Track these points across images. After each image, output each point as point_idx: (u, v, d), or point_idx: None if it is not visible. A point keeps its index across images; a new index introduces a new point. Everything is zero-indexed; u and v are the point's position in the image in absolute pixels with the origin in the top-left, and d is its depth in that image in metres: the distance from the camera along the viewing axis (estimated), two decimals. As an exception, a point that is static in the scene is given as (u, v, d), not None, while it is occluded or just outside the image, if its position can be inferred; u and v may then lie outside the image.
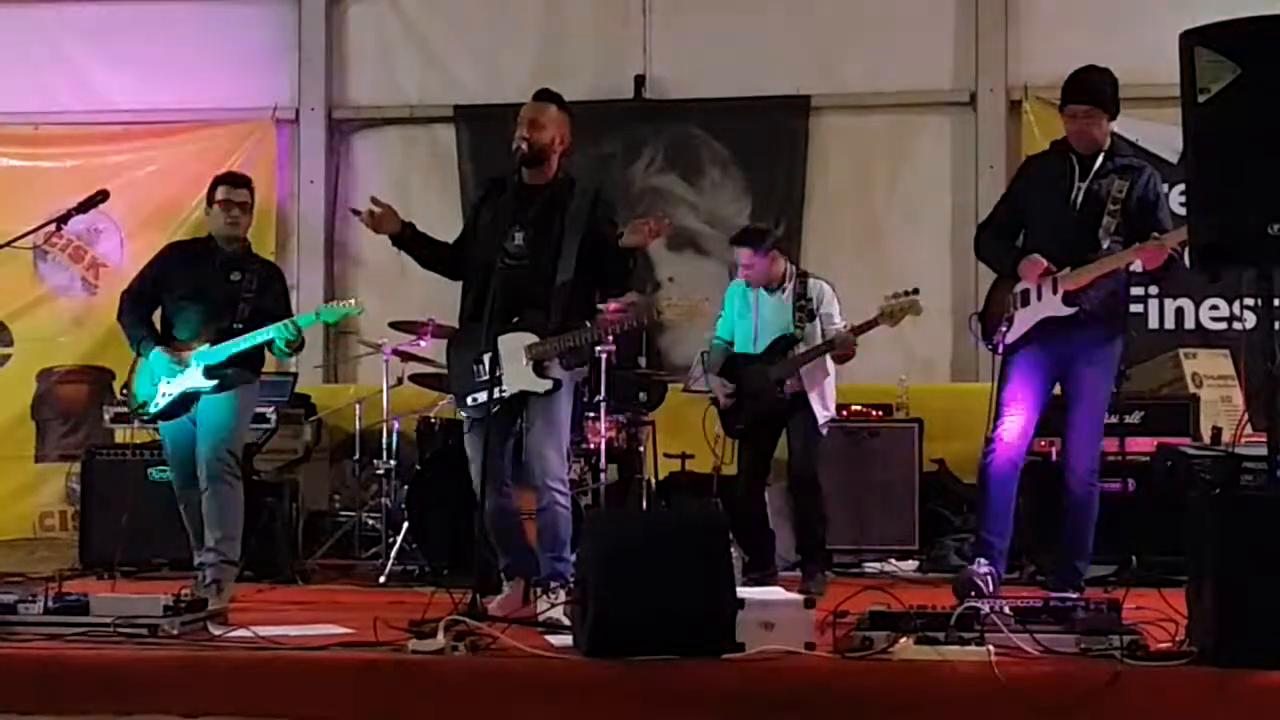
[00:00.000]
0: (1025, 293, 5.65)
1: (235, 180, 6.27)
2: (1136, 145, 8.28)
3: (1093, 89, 5.59)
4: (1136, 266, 5.66)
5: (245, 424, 6.17)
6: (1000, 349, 5.67)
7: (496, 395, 5.36)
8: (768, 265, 6.71)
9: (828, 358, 6.65)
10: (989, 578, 5.45)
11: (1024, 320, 5.62)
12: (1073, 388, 5.61)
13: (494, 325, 5.29)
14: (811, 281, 6.75)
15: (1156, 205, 5.63)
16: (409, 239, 5.63)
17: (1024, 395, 5.60)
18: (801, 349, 6.61)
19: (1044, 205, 5.69)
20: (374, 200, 5.61)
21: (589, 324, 5.50)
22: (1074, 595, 4.89)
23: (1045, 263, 5.54)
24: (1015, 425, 5.58)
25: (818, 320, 6.67)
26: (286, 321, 5.92)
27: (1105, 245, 5.53)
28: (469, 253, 5.60)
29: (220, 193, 6.16)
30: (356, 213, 5.68)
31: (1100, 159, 5.60)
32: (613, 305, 5.74)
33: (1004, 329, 5.64)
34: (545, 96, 5.57)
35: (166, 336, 6.07)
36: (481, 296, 5.35)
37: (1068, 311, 5.53)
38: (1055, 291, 5.54)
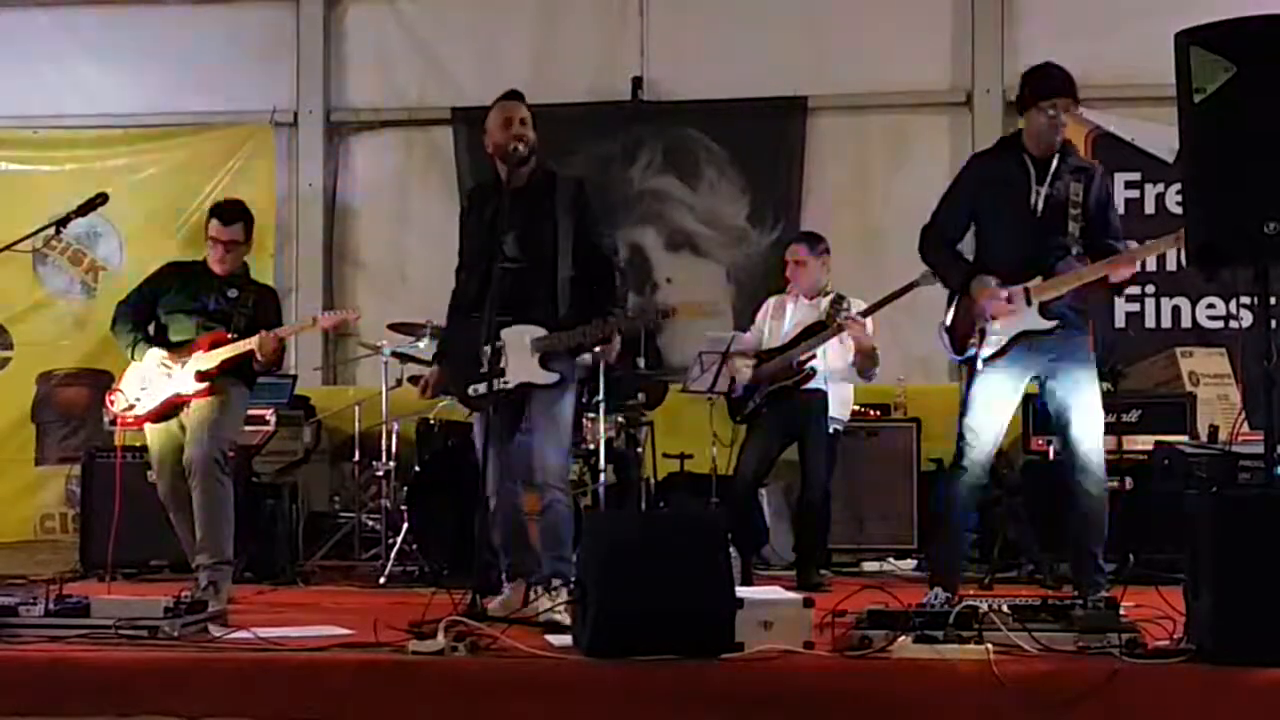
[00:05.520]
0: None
1: (226, 216, 6.12)
2: (1133, 145, 8.34)
3: (1069, 82, 5.41)
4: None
5: (234, 425, 6.13)
6: (980, 364, 5.41)
7: (499, 387, 5.35)
8: (817, 268, 6.93)
9: (851, 367, 6.88)
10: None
11: (999, 333, 5.39)
12: (1066, 390, 5.39)
13: (495, 319, 5.29)
14: (849, 300, 6.78)
15: (1109, 206, 5.52)
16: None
17: (993, 418, 5.40)
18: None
19: (1002, 211, 5.45)
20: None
21: (595, 321, 5.46)
22: (1105, 594, 4.74)
23: (998, 291, 5.34)
24: (983, 452, 5.39)
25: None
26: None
27: (1073, 251, 5.38)
28: (466, 258, 5.62)
29: (211, 228, 6.10)
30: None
31: (1055, 161, 5.40)
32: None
33: (975, 342, 5.42)
34: (517, 96, 5.56)
35: (161, 343, 6.08)
36: (482, 293, 5.34)
37: (1048, 325, 5.32)
38: (1029, 303, 5.32)
